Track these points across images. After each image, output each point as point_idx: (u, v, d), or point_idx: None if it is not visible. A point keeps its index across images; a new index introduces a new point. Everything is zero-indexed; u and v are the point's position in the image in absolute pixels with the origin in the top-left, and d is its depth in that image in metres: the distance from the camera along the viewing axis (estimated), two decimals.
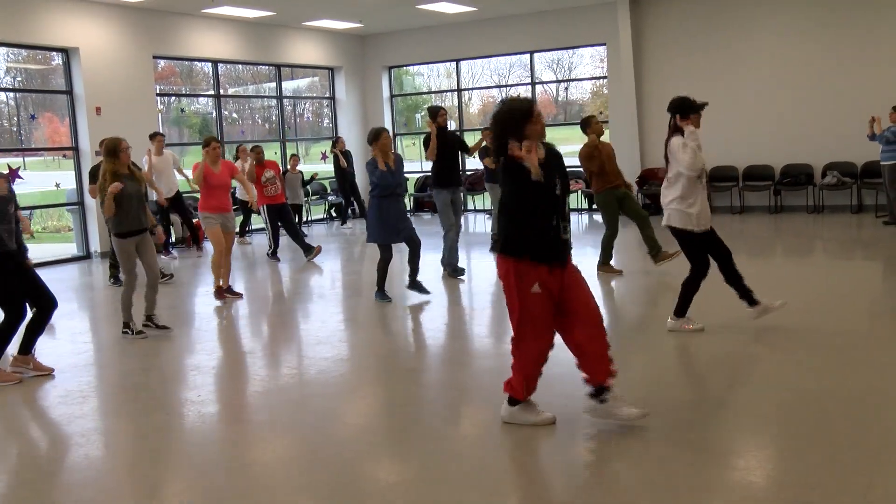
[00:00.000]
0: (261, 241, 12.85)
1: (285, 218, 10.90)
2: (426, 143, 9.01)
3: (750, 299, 5.90)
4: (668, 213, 5.77)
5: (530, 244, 4.02)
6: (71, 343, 6.72)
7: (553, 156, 4.14)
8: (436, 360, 5.96)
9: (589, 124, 8.44)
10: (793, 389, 4.65)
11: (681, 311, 5.93)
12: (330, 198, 16.06)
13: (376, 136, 7.47)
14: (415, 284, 7.87)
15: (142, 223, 6.64)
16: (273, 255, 10.92)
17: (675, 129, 5.70)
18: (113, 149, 6.47)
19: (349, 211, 15.33)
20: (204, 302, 8.21)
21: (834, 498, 3.28)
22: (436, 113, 9.08)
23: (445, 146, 8.97)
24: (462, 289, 8.42)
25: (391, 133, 17.59)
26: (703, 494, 3.41)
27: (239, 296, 8.33)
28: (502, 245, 4.10)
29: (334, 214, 16.33)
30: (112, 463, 4.20)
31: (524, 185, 3.90)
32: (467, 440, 4.26)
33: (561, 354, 4.32)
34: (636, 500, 3.42)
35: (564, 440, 4.08)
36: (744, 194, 13.62)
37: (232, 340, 6.93)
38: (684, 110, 5.65)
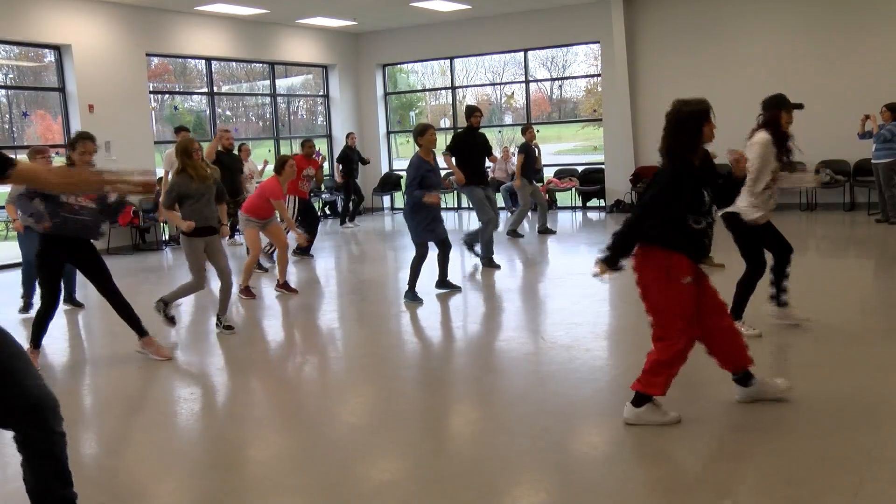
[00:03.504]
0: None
1: (311, 213, 10.84)
2: (456, 145, 9.19)
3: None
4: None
5: (685, 242, 4.09)
6: (64, 341, 6.70)
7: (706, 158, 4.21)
8: (431, 359, 5.97)
9: None
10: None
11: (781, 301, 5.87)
12: (324, 195, 16.04)
13: (423, 132, 7.41)
14: (444, 283, 7.90)
15: (210, 222, 6.41)
16: (295, 251, 10.67)
17: (764, 126, 5.53)
18: (186, 148, 6.32)
19: (349, 208, 15.27)
20: (198, 300, 8.19)
21: (824, 495, 3.29)
22: (471, 113, 9.14)
23: (475, 147, 9.03)
24: (462, 288, 8.42)
25: (385, 130, 17.69)
26: (693, 492, 3.42)
27: (295, 291, 8.36)
28: (656, 241, 4.10)
29: (328, 212, 16.31)
30: (106, 461, 4.19)
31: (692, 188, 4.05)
32: (461, 439, 4.26)
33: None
34: (626, 499, 3.43)
35: (556, 440, 4.09)
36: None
37: (226, 338, 6.91)
38: (777, 106, 5.49)
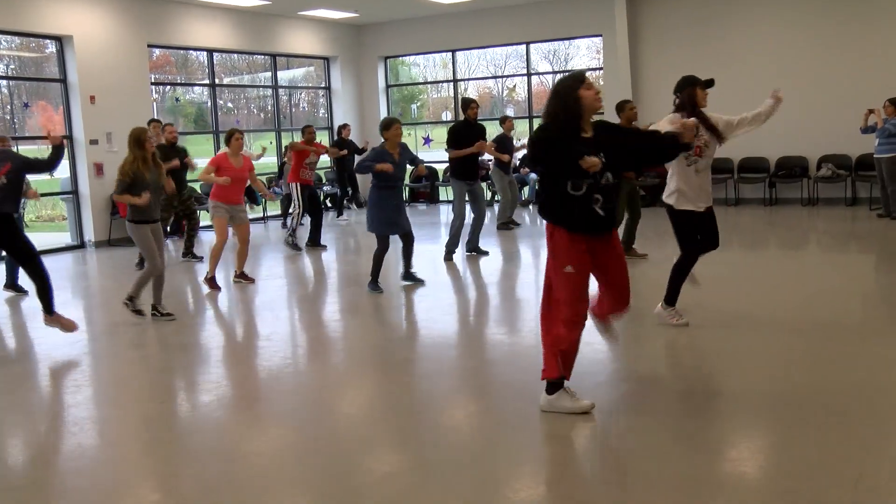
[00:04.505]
0: (273, 226, 12.86)
1: (315, 202, 10.88)
2: (455, 138, 9.17)
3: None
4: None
5: (565, 212, 4.13)
6: (65, 332, 6.70)
7: (602, 129, 4.22)
8: (430, 350, 5.97)
9: (623, 109, 8.30)
10: (785, 381, 4.67)
11: (671, 299, 5.90)
12: (325, 188, 16.02)
13: (387, 126, 7.56)
14: (409, 276, 7.96)
15: (157, 214, 6.76)
16: (293, 242, 10.68)
17: (680, 108, 5.54)
18: (138, 138, 6.56)
19: (345, 202, 15.27)
20: (199, 291, 8.20)
21: (824, 490, 3.29)
22: (467, 106, 9.18)
23: (471, 140, 9.06)
24: (458, 279, 8.43)
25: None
26: (695, 486, 3.42)
27: (252, 280, 8.47)
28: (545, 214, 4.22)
29: (329, 205, 16.29)
30: (106, 452, 4.19)
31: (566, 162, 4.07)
32: (461, 430, 4.26)
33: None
34: (628, 492, 3.43)
35: (558, 431, 4.09)
36: (739, 186, 13.63)
37: (226, 330, 6.93)
38: (688, 85, 5.52)
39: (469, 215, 9.37)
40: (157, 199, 6.71)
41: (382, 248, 7.61)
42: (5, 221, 6.01)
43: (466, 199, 9.41)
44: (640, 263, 8.45)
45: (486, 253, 9.53)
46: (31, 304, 7.98)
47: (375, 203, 7.51)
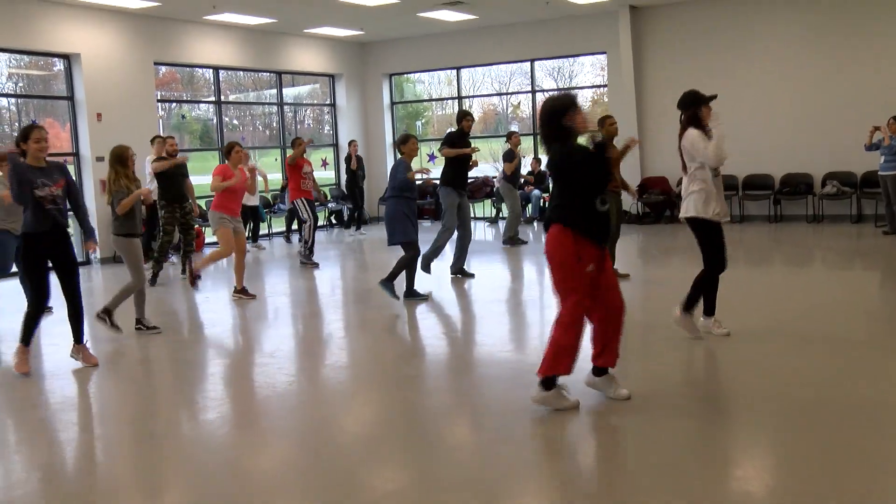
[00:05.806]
0: (278, 242, 12.89)
1: (314, 215, 10.94)
2: (450, 143, 9.22)
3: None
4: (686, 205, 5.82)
5: (591, 225, 4.39)
6: (69, 348, 6.71)
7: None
8: (435, 367, 5.96)
9: (603, 124, 8.38)
10: (790, 398, 4.65)
11: (709, 310, 5.97)
12: (330, 205, 16.06)
13: (404, 141, 7.90)
14: (412, 293, 7.97)
15: (139, 228, 6.97)
16: (309, 256, 10.68)
17: (688, 124, 5.69)
18: (121, 156, 6.79)
19: (355, 215, 15.33)
20: (203, 307, 8.21)
21: None
22: (462, 117, 9.34)
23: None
24: (463, 296, 8.42)
25: (391, 140, 17.76)
26: (699, 501, 3.40)
27: (252, 296, 8.48)
28: (568, 223, 4.38)
29: (334, 221, 16.33)
30: (110, 468, 4.19)
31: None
32: (465, 448, 4.25)
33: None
34: None
35: (562, 447, 4.08)
36: (743, 203, 13.62)
37: (231, 346, 6.92)
38: (695, 103, 5.67)
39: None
40: (139, 214, 6.91)
41: (413, 255, 7.82)
42: (65, 236, 6.06)
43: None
44: (652, 284, 8.45)
45: (471, 275, 9.18)
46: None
47: (401, 213, 7.72)
